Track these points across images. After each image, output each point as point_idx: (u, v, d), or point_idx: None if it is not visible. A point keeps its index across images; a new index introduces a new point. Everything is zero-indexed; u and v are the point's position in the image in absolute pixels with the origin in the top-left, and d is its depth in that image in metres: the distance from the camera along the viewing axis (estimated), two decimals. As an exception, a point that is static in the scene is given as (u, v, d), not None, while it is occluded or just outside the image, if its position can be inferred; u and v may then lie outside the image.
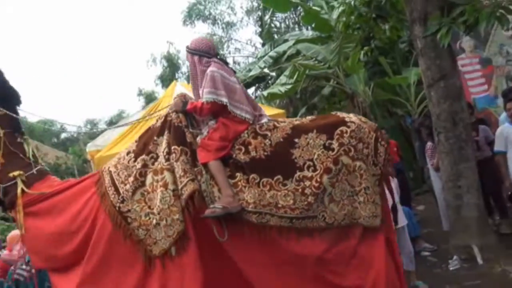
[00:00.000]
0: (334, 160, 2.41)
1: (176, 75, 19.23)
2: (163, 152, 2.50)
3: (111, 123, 22.85)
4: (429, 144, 4.81)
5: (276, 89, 8.58)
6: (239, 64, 18.44)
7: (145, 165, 2.51)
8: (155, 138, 2.58)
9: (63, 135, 23.84)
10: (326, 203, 2.40)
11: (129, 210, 2.44)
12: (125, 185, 2.49)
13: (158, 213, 2.39)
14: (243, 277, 2.42)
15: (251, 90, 13.42)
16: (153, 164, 2.51)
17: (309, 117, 2.69)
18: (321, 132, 2.48)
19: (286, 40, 11.31)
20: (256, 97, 8.29)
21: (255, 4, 18.11)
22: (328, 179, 2.39)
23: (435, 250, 4.58)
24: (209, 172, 2.46)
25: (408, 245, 3.71)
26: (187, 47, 2.74)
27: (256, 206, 2.38)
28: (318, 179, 2.39)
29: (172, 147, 2.49)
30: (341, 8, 8.79)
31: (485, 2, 4.14)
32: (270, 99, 8.21)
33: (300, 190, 2.39)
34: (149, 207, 2.43)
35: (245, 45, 19.41)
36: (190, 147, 2.53)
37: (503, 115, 4.68)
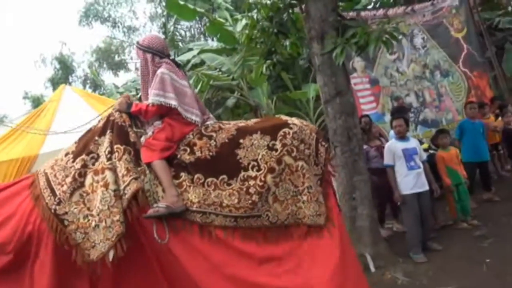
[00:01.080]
0: (278, 160, 2.45)
1: (70, 78, 17.68)
2: (104, 151, 2.43)
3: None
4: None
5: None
6: (141, 70, 17.62)
7: (84, 165, 2.43)
8: (96, 138, 2.51)
9: None
10: (270, 202, 2.42)
11: (66, 213, 2.33)
12: (62, 186, 2.39)
13: (98, 215, 2.29)
14: (188, 278, 2.36)
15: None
16: (93, 164, 2.44)
17: (253, 120, 2.73)
18: (265, 133, 2.51)
19: (190, 49, 11.09)
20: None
21: (159, 10, 17.60)
22: (272, 178, 2.41)
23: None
24: (153, 171, 2.43)
25: None
26: (139, 43, 2.69)
27: (200, 206, 2.38)
28: (262, 178, 2.41)
29: (115, 146, 2.43)
30: (244, 21, 8.92)
31: (373, 26, 4.47)
32: (173, 108, 7.82)
33: (244, 189, 2.40)
34: (88, 208, 2.34)
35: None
36: (133, 146, 2.48)
37: (392, 131, 5.09)
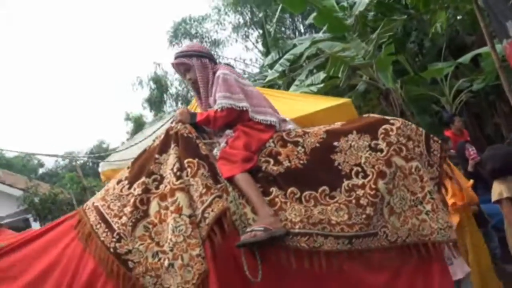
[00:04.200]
0: (386, 162, 2.06)
1: (165, 96, 18.35)
2: (172, 169, 1.99)
3: (91, 154, 21.57)
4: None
5: (307, 89, 7.82)
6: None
7: (146, 190, 1.98)
8: (156, 156, 2.08)
9: (40, 170, 22.09)
10: (386, 216, 2.03)
11: (129, 251, 1.85)
12: (120, 218, 1.93)
13: (171, 250, 1.81)
14: None
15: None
16: (157, 187, 1.99)
17: (338, 123, 2.30)
18: (362, 132, 2.14)
19: (295, 45, 10.72)
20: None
21: (241, 20, 17.75)
22: (384, 184, 2.03)
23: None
24: (237, 188, 2.00)
25: None
26: (187, 51, 2.36)
27: (304, 226, 1.93)
28: (373, 186, 2.02)
29: (185, 161, 2.00)
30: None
31: None
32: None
33: (354, 201, 1.99)
34: (158, 243, 1.88)
35: (233, 63, 18.87)
36: (207, 160, 2.04)
37: None
